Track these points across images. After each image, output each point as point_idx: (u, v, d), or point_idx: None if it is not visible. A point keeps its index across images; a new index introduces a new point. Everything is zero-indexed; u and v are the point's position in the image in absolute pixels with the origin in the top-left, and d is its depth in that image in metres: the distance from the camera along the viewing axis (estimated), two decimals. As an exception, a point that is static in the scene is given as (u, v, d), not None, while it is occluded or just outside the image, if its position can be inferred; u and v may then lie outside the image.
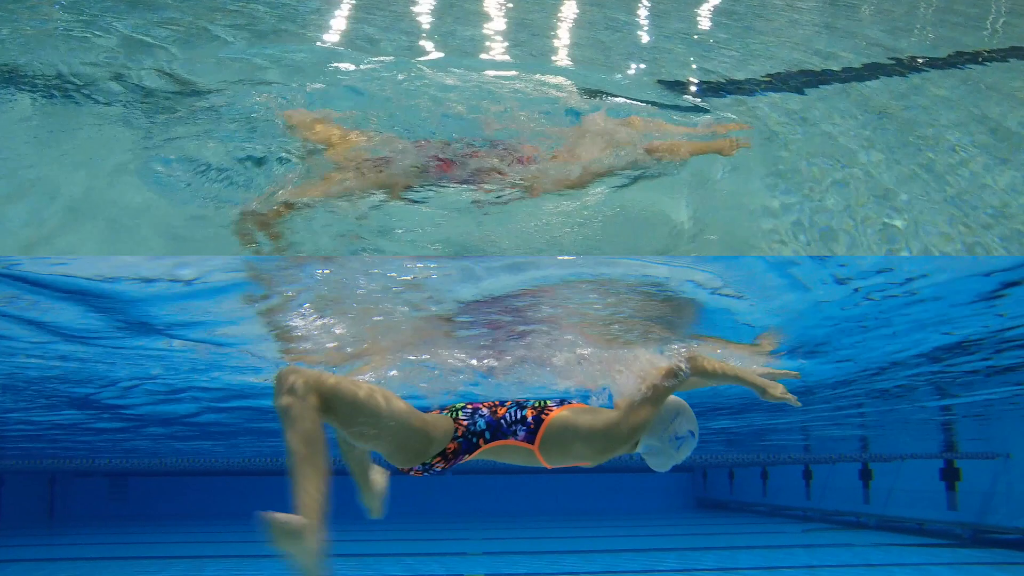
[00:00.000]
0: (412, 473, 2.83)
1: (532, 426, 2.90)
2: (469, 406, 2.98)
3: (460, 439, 2.83)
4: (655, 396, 2.94)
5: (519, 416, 2.93)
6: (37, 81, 4.12)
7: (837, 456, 14.51)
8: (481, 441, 2.87)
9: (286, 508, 2.23)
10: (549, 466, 2.94)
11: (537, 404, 3.00)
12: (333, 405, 2.48)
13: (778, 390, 3.01)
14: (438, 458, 2.79)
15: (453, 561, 10.97)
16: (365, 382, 2.67)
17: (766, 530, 15.32)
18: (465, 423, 2.87)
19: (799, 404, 2.98)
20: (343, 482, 2.67)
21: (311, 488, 2.28)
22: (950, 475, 11.99)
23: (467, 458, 2.88)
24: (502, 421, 2.92)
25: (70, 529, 16.40)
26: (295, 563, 2.24)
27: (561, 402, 3.03)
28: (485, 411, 2.95)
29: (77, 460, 15.12)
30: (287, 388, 2.38)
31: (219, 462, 13.61)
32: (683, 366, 2.99)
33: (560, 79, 4.90)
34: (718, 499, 22.57)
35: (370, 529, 15.12)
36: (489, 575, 9.07)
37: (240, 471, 18.45)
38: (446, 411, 2.92)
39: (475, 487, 21.13)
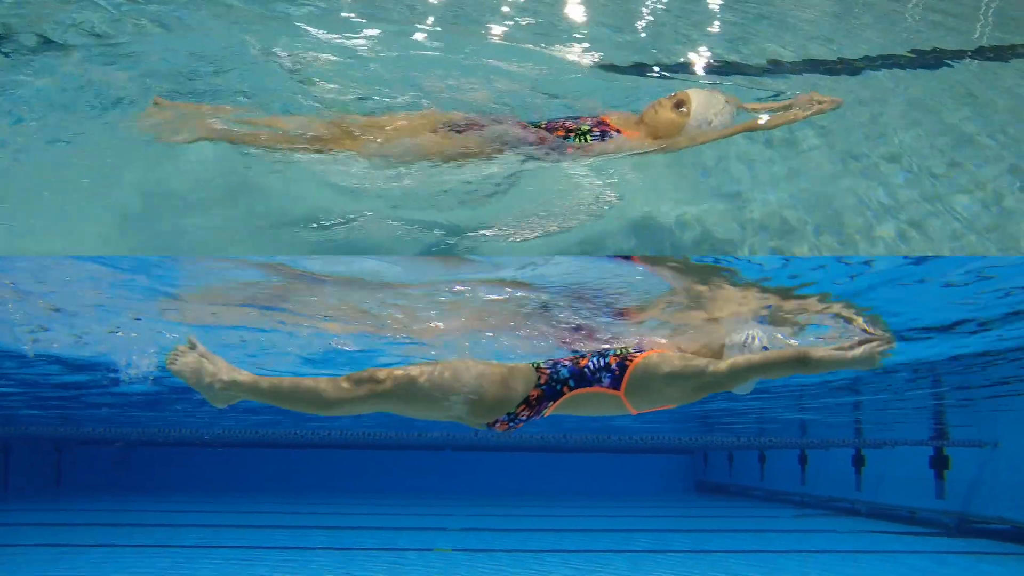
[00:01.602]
0: (497, 427, 2.93)
1: (617, 373, 2.94)
2: (550, 360, 3.04)
3: (543, 386, 2.90)
4: (769, 370, 2.91)
5: (602, 364, 2.97)
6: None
7: (830, 441, 14.48)
8: (565, 388, 2.93)
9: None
10: (635, 411, 2.99)
11: (620, 351, 3.03)
12: (411, 394, 2.78)
13: (879, 348, 2.85)
14: (522, 406, 2.88)
15: (462, 536, 11.13)
16: (436, 364, 2.86)
17: (756, 514, 15.39)
18: (548, 371, 2.94)
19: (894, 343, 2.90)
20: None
21: (269, 397, 2.76)
22: (939, 463, 11.94)
23: (551, 406, 2.94)
24: (585, 370, 2.96)
25: (78, 497, 16.82)
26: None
27: (642, 349, 3.05)
28: (567, 362, 3.00)
29: (85, 428, 15.53)
30: (378, 377, 2.77)
31: (232, 434, 13.91)
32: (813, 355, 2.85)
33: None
34: (718, 482, 22.61)
35: (413, 504, 15.59)
36: (457, 549, 9.23)
37: (249, 443, 18.80)
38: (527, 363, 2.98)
39: (474, 465, 21.36)
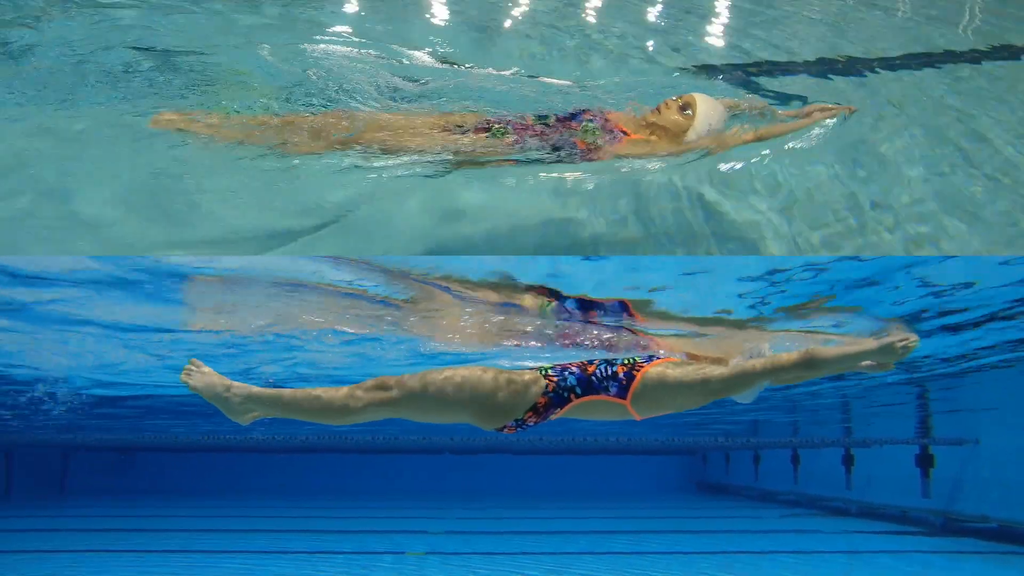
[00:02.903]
0: (505, 431, 2.99)
1: (624, 382, 2.97)
2: (558, 365, 3.07)
3: (551, 394, 2.94)
4: (774, 375, 2.92)
5: (610, 372, 3.00)
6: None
7: (821, 441, 14.56)
8: (572, 396, 2.96)
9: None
10: (640, 418, 3.04)
11: (627, 361, 3.05)
12: (421, 401, 2.83)
13: (899, 345, 2.84)
14: (529, 413, 2.92)
15: (466, 538, 11.32)
16: (445, 370, 2.90)
17: (742, 515, 15.46)
18: (555, 379, 2.98)
19: (917, 341, 2.89)
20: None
21: (286, 411, 2.82)
22: (925, 462, 12.01)
23: (558, 412, 2.99)
24: (593, 377, 2.99)
25: (81, 502, 17.06)
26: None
27: (650, 358, 3.09)
28: (575, 368, 3.03)
29: (89, 434, 15.76)
30: (388, 385, 2.83)
31: (231, 439, 14.08)
32: (818, 356, 2.88)
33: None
34: (716, 482, 22.68)
35: (406, 507, 15.72)
36: (430, 552, 9.39)
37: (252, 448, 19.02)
38: (535, 368, 3.03)
39: (479, 466, 21.51)
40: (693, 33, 6.58)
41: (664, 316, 4.04)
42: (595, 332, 4.56)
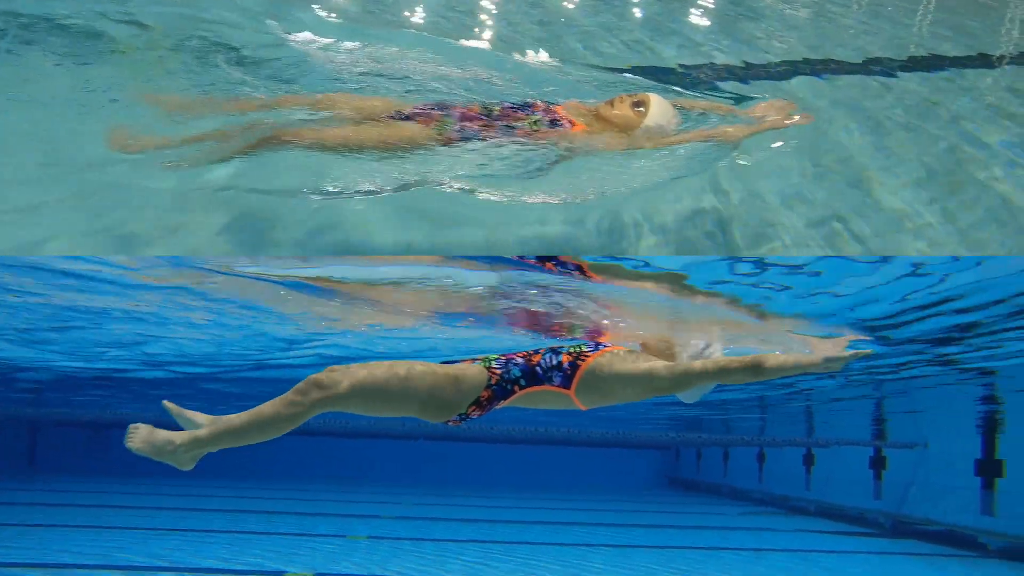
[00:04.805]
0: (451, 423, 2.98)
1: (568, 372, 2.97)
2: (503, 356, 3.06)
3: (494, 387, 2.93)
4: (721, 377, 2.94)
5: (555, 362, 3.00)
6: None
7: (783, 440, 14.64)
8: (516, 388, 2.97)
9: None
10: (585, 408, 3.03)
11: (573, 350, 3.05)
12: (360, 397, 2.80)
13: (843, 355, 2.86)
14: (473, 407, 2.92)
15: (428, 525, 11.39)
16: (385, 365, 2.85)
17: (707, 511, 15.57)
18: (499, 371, 2.97)
19: (870, 350, 2.93)
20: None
21: (230, 442, 2.76)
22: (878, 464, 12.09)
23: (503, 404, 2.99)
24: (537, 368, 2.99)
25: (51, 477, 17.10)
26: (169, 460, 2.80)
27: (597, 346, 3.07)
28: (519, 359, 3.03)
29: (58, 410, 15.79)
30: (324, 383, 2.77)
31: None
32: (766, 363, 2.89)
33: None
34: (688, 478, 22.81)
35: (389, 493, 15.77)
36: (371, 536, 9.46)
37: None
38: (479, 360, 3.02)
39: (456, 456, 21.61)
40: (658, 32, 6.55)
41: (618, 274, 3.98)
42: (542, 290, 4.48)
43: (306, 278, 4.39)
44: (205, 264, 4.16)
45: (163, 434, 2.76)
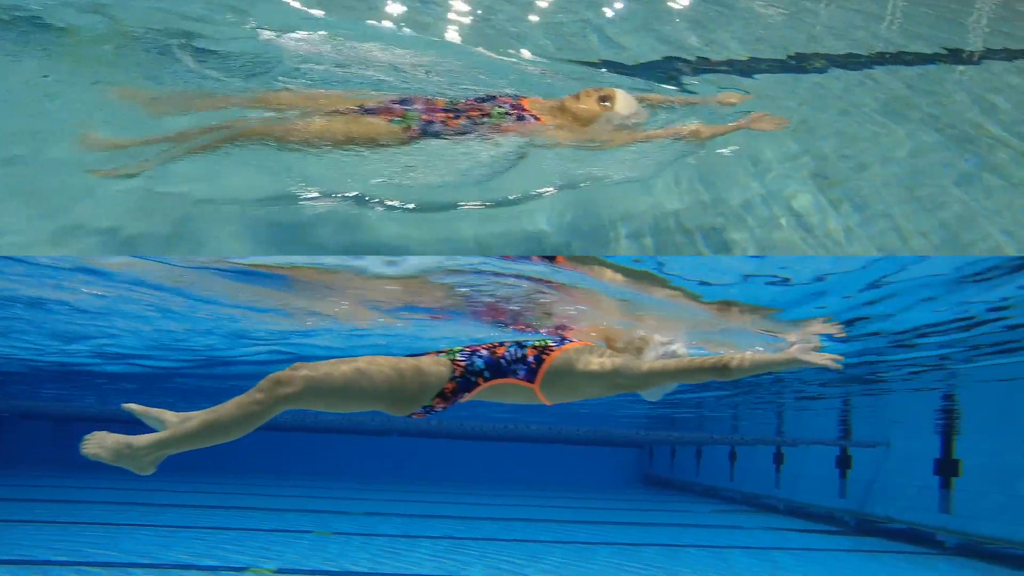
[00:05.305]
0: (415, 416, 2.96)
1: (533, 365, 2.97)
2: (468, 348, 3.06)
3: (458, 379, 2.92)
4: (685, 377, 2.94)
5: (519, 355, 3.00)
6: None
7: (753, 438, 14.81)
8: (480, 380, 2.95)
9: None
10: (549, 403, 3.02)
11: (538, 343, 3.05)
12: (323, 394, 2.76)
13: (813, 359, 2.83)
14: (437, 399, 2.91)
15: (410, 522, 11.36)
16: (347, 362, 2.83)
17: (678, 509, 15.71)
18: (463, 363, 2.96)
19: (840, 366, 2.84)
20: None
21: (191, 444, 2.70)
22: (843, 463, 12.28)
23: (467, 396, 2.98)
24: (502, 360, 2.99)
25: (17, 471, 16.86)
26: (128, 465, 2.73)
27: (562, 341, 3.08)
28: (484, 352, 3.02)
29: (23, 402, 15.57)
30: (284, 380, 2.73)
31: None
32: (732, 364, 2.89)
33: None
34: (661, 476, 22.98)
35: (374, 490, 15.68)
36: (335, 532, 9.46)
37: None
38: (443, 353, 3.02)
39: (429, 453, 21.60)
40: (634, 29, 6.55)
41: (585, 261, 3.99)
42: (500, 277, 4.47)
43: (252, 265, 4.36)
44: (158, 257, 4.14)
45: (120, 439, 2.69)
